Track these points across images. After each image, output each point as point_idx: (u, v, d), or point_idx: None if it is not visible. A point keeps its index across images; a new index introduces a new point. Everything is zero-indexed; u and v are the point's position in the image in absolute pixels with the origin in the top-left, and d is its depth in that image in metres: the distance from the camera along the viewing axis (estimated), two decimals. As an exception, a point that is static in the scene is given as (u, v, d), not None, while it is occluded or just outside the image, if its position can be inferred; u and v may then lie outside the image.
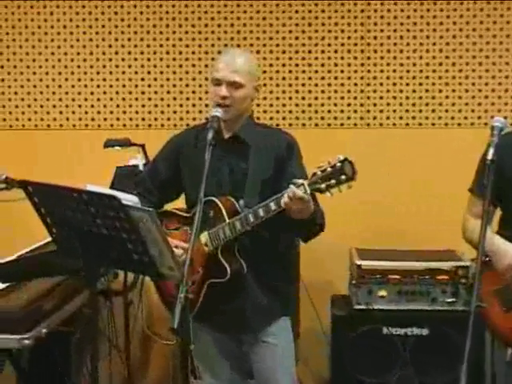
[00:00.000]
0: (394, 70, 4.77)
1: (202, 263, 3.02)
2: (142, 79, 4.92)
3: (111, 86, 4.94)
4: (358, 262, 4.21)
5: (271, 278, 3.11)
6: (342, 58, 4.78)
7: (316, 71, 4.81)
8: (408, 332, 4.14)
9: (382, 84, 4.78)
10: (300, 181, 2.73)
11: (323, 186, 2.69)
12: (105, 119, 4.96)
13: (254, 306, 3.09)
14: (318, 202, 2.94)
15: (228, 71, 3.00)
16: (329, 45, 4.78)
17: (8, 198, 3.77)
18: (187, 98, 4.91)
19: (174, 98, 4.92)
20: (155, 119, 4.94)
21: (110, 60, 4.92)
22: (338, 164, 2.68)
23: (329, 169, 2.69)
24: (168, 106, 4.93)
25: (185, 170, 3.17)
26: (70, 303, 3.57)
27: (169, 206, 3.36)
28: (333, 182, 2.67)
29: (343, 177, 2.66)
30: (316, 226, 2.98)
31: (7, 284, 3.48)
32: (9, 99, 5.00)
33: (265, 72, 4.74)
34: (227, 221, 2.95)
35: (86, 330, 3.56)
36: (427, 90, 4.77)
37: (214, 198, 2.98)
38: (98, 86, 4.95)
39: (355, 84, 4.79)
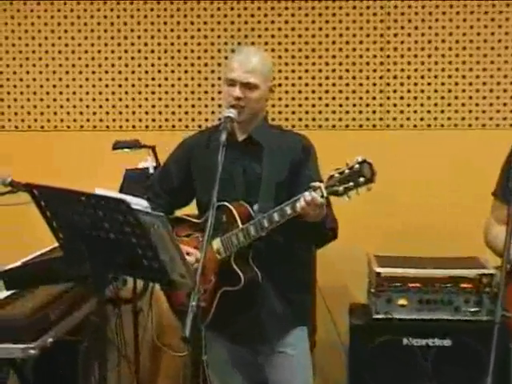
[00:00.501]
0: (415, 69, 4.76)
1: (214, 271, 3.01)
2: (153, 79, 4.92)
3: (120, 86, 4.94)
4: (377, 270, 4.19)
5: (287, 285, 3.10)
6: (361, 56, 4.77)
7: (333, 70, 4.79)
8: (429, 343, 4.11)
9: (402, 84, 4.76)
10: (317, 184, 2.73)
11: (341, 188, 2.68)
12: (113, 120, 4.97)
13: (270, 315, 3.08)
14: (331, 206, 2.93)
15: (242, 71, 3.00)
16: (347, 43, 4.77)
17: (13, 202, 3.79)
18: (199, 99, 4.91)
19: (186, 99, 4.92)
20: (166, 120, 4.94)
21: (120, 59, 4.92)
22: (357, 166, 2.67)
23: (347, 171, 2.68)
24: (179, 106, 4.93)
25: (196, 173, 3.17)
26: (78, 311, 3.57)
27: (179, 213, 3.36)
28: (351, 184, 2.67)
29: (362, 179, 2.65)
30: (327, 231, 2.97)
31: (12, 291, 3.49)
32: (14, 99, 5.01)
33: (280, 71, 4.74)
34: (240, 226, 2.95)
35: (94, 339, 3.56)
36: (450, 90, 4.75)
37: (226, 203, 2.97)
38: (107, 86, 4.95)
39: (374, 84, 4.78)
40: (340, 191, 2.69)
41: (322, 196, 2.71)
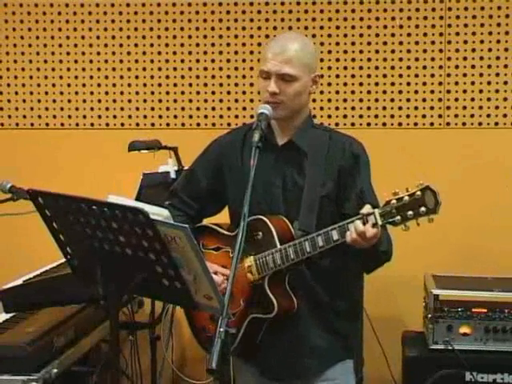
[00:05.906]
0: (481, 57, 4.72)
1: (244, 294, 3.02)
2: (174, 69, 4.93)
3: (137, 77, 4.95)
4: (435, 292, 4.18)
5: (329, 312, 3.09)
6: (417, 42, 4.74)
7: (385, 59, 4.77)
8: (498, 379, 4.08)
9: (465, 74, 4.73)
10: (368, 209, 2.74)
11: (398, 218, 2.72)
12: (129, 117, 4.99)
13: (308, 345, 3.07)
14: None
15: (277, 61, 2.97)
16: (401, 27, 4.73)
17: (13, 211, 3.82)
18: (228, 92, 4.91)
19: (213, 92, 4.92)
20: (190, 117, 4.94)
21: (136, 45, 4.93)
22: (418, 193, 2.69)
23: (406, 197, 2.71)
24: (205, 101, 4.93)
25: (229, 177, 3.16)
26: (87, 338, 3.60)
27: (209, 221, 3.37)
28: (410, 213, 2.70)
29: (423, 209, 2.69)
30: (380, 254, 2.96)
31: (11, 314, 3.51)
32: (15, 92, 5.03)
33: (322, 60, 4.73)
34: (278, 246, 2.95)
35: (106, 370, 3.59)
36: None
37: (263, 217, 2.98)
38: (121, 77, 4.96)
39: (432, 75, 4.75)
40: (397, 221, 2.73)
41: (376, 224, 2.73)
